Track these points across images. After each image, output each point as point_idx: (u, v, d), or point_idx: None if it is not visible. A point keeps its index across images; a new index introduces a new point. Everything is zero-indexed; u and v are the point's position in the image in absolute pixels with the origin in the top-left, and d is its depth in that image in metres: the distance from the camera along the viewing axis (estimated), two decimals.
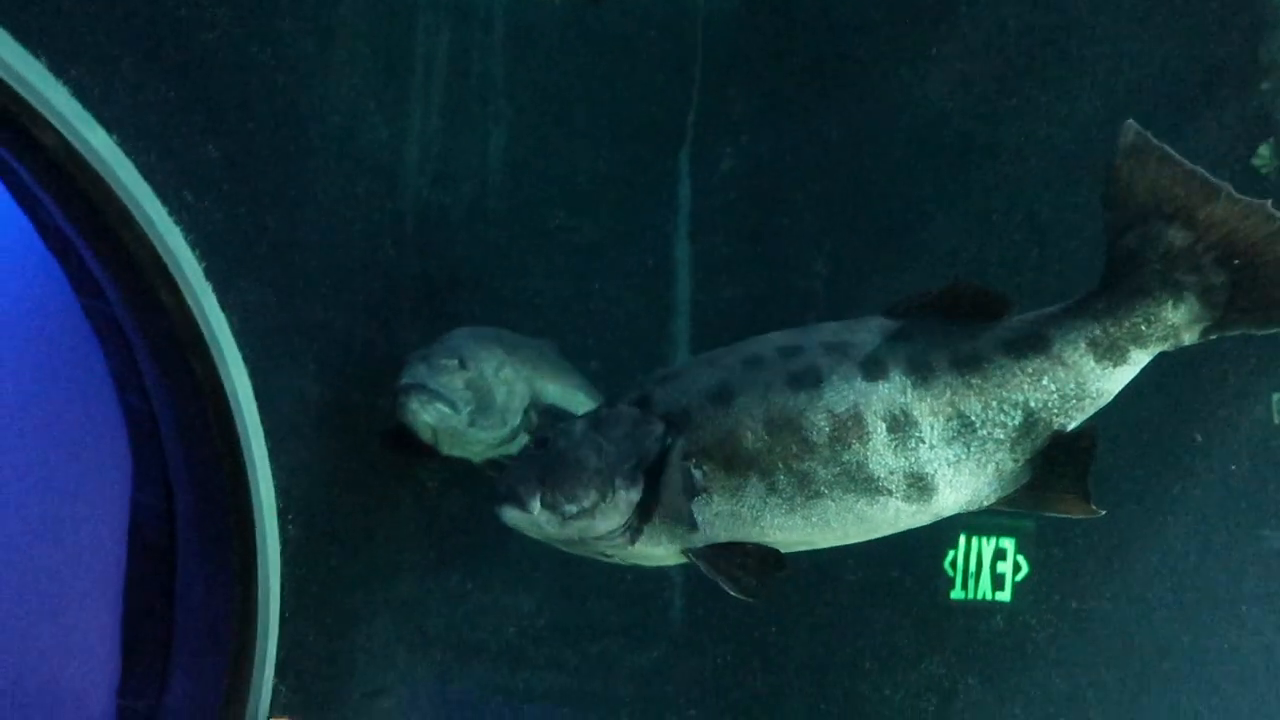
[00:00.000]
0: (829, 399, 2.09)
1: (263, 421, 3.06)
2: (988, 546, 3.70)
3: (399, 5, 3.71)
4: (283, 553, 3.17)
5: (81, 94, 2.51)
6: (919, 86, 3.92)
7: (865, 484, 2.09)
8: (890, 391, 2.10)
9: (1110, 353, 2.09)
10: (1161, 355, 2.08)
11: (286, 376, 3.18)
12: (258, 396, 3.05)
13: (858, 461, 2.08)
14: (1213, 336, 2.08)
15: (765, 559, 2.13)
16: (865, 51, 4.02)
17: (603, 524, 2.14)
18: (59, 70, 2.46)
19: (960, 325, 2.14)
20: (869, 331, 2.17)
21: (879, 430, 2.08)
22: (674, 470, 2.09)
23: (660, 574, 4.00)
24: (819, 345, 2.16)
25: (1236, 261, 2.02)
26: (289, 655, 3.22)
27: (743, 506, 2.11)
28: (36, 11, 2.41)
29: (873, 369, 2.11)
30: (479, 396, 3.07)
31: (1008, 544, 3.68)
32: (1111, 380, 2.11)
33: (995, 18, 3.80)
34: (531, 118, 4.07)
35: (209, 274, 2.91)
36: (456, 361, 3.06)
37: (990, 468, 2.12)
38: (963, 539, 3.72)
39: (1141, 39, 3.62)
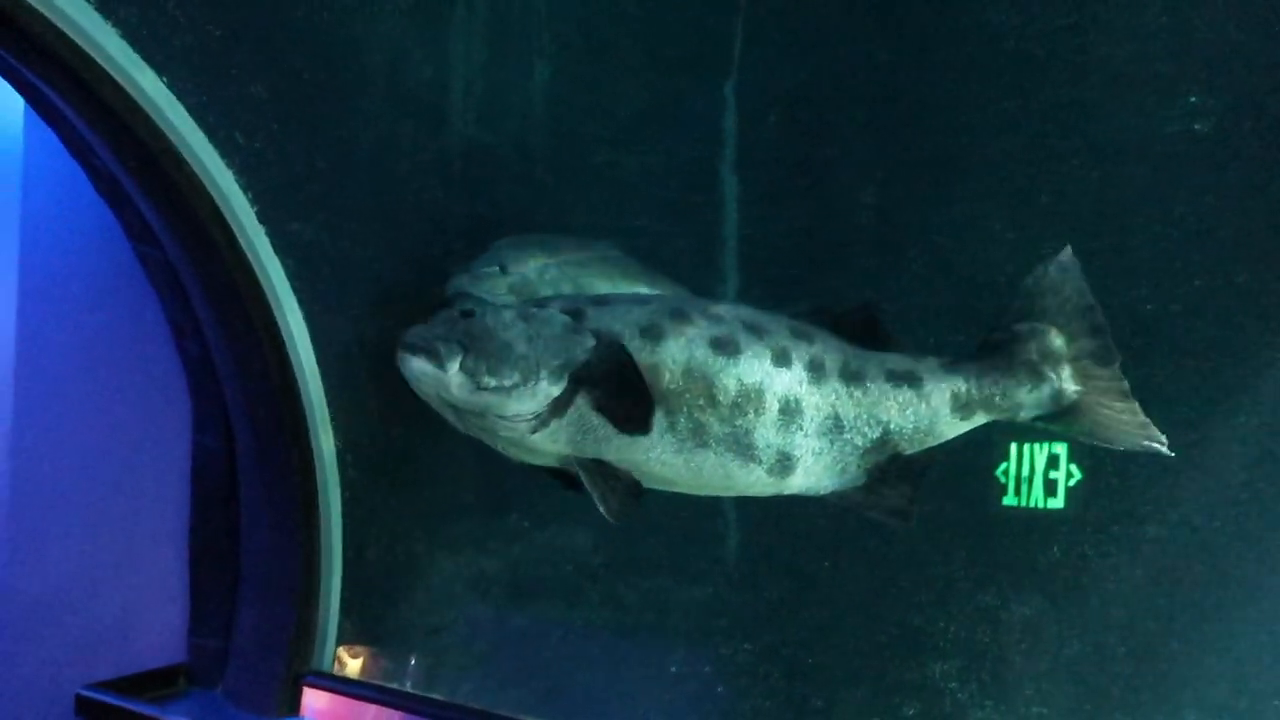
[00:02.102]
0: (742, 369, 2.40)
1: (318, 363, 3.08)
2: (1040, 453, 3.66)
3: None
4: (342, 494, 3.21)
5: (131, 36, 2.48)
6: (972, 5, 3.79)
7: (745, 449, 2.42)
8: (790, 380, 2.44)
9: (963, 408, 2.54)
10: None
11: (340, 318, 3.18)
12: (312, 339, 3.06)
13: (748, 429, 2.41)
14: (1038, 425, 2.58)
15: (630, 489, 2.39)
16: None
17: (514, 406, 2.29)
18: (108, 12, 2.43)
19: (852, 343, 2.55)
20: (779, 324, 2.50)
21: (773, 409, 2.42)
22: (598, 381, 2.31)
23: (715, 511, 4.01)
24: (739, 321, 2.46)
25: (1086, 386, 2.55)
26: (352, 594, 3.27)
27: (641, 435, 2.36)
28: None
29: (780, 357, 2.44)
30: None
31: (1060, 449, 3.63)
32: (955, 429, 2.57)
33: None
34: (574, 52, 3.99)
35: (261, 217, 2.90)
36: (497, 268, 3.06)
37: (840, 465, 2.51)
38: (1013, 447, 3.67)
39: None
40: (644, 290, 3.41)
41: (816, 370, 2.48)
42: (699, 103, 4.15)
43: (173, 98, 2.60)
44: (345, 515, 3.21)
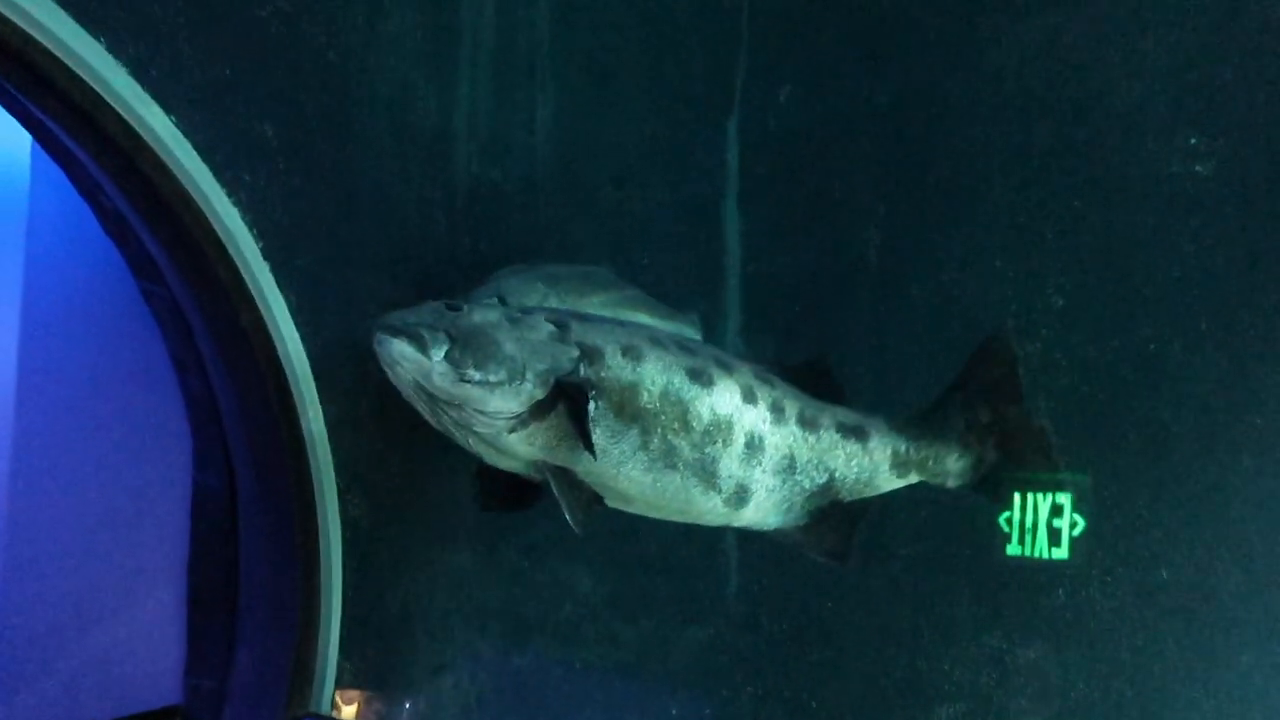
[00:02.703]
0: (715, 400, 2.52)
1: (321, 400, 3.06)
2: (1044, 502, 3.64)
3: None
4: (343, 531, 3.18)
5: (140, 75, 2.49)
6: (973, 45, 3.82)
7: (709, 477, 2.52)
8: (756, 417, 2.58)
9: (900, 467, 2.74)
10: None
11: (344, 354, 3.17)
12: (315, 376, 3.05)
13: (714, 458, 2.52)
14: (966, 491, 2.84)
15: (592, 500, 2.48)
16: (917, 11, 3.93)
17: (496, 403, 2.32)
18: (118, 51, 2.44)
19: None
20: (743, 365, 2.65)
21: (739, 442, 2.55)
22: (581, 390, 2.36)
23: (715, 548, 3.98)
24: (710, 356, 2.61)
25: (1008, 454, 2.81)
26: (352, 633, 3.23)
27: (616, 448, 2.43)
28: None
29: (748, 394, 2.58)
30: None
31: (1064, 499, 3.61)
32: (890, 484, 2.77)
33: None
34: (578, 88, 4.02)
35: (266, 253, 2.90)
36: (497, 299, 3.06)
37: (787, 504, 2.66)
38: (1016, 496, 3.66)
39: None
40: (645, 319, 3.42)
41: (778, 412, 2.63)
42: (702, 139, 4.17)
43: (180, 136, 2.60)
44: (346, 554, 3.18)
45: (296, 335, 2.97)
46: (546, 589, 3.87)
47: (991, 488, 2.85)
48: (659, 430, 2.46)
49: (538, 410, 2.36)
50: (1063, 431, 3.58)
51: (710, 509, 2.59)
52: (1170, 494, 3.35)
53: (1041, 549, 3.58)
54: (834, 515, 2.69)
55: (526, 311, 2.50)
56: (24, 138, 3.53)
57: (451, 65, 3.65)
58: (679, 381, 2.49)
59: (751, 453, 2.58)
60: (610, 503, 2.54)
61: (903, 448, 2.75)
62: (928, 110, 3.87)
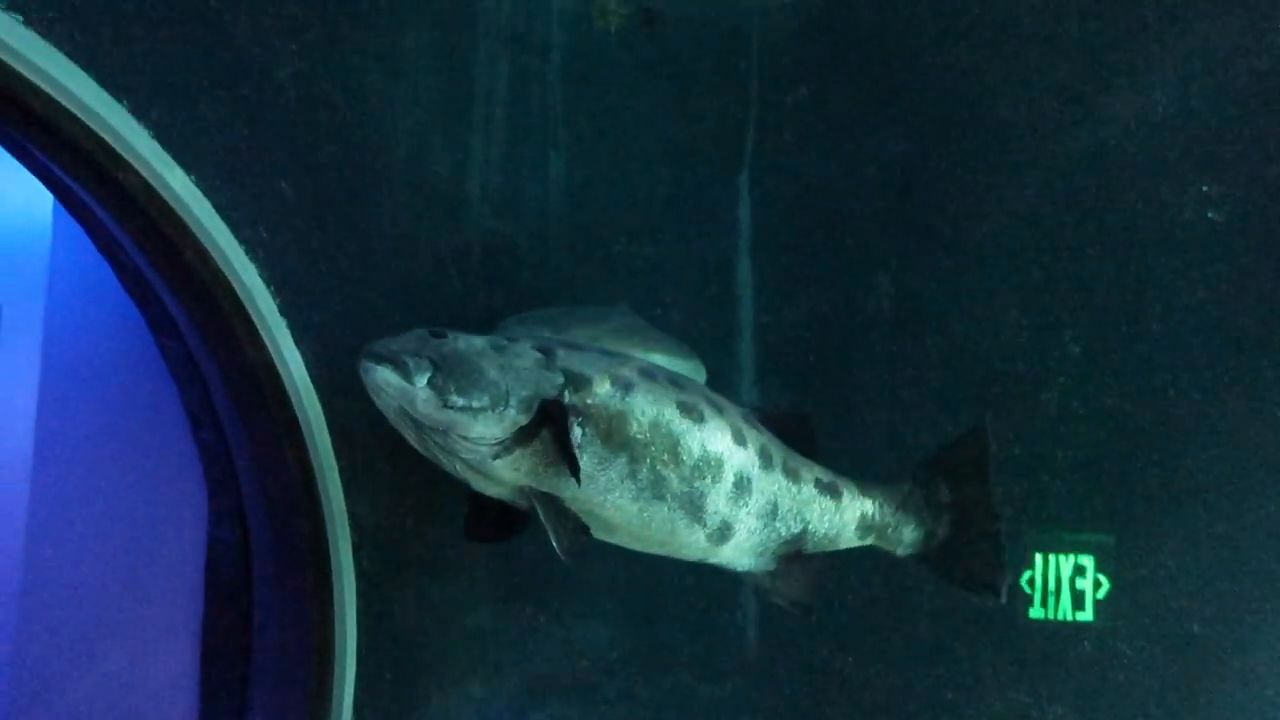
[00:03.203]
0: (706, 436, 2.55)
1: (336, 455, 3.06)
2: (1066, 563, 3.59)
3: (460, 37, 3.73)
4: (357, 588, 3.16)
5: (162, 135, 2.54)
6: (980, 99, 3.86)
7: (695, 511, 2.55)
8: (745, 459, 2.63)
9: (863, 529, 2.87)
10: None
11: (358, 408, 3.17)
12: (330, 428, 3.05)
13: (703, 492, 2.55)
14: (910, 559, 2.97)
15: (578, 529, 2.46)
16: (925, 67, 3.97)
17: (480, 429, 2.32)
18: (141, 113, 2.49)
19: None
20: (731, 407, 2.69)
21: (728, 480, 2.59)
22: (564, 414, 2.37)
23: (733, 603, 3.93)
24: (700, 393, 2.65)
25: (961, 533, 2.90)
26: (365, 690, 3.19)
27: (604, 475, 2.44)
28: (120, 55, 2.45)
29: (739, 436, 2.63)
30: None
31: (1087, 561, 3.56)
32: (850, 543, 2.88)
33: (1057, 28, 3.74)
34: (590, 144, 4.07)
35: (283, 309, 2.92)
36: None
37: (762, 548, 2.72)
38: (1038, 557, 3.61)
39: (1210, 44, 3.54)
40: (660, 359, 3.41)
41: (765, 458, 2.70)
42: (714, 193, 4.20)
43: (200, 195, 2.64)
44: (360, 609, 3.15)
45: (313, 390, 2.97)
46: (563, 645, 3.82)
47: (935, 563, 2.98)
48: (648, 460, 2.47)
49: (522, 436, 2.36)
50: (1082, 481, 3.56)
51: (692, 543, 2.62)
52: (1196, 544, 3.30)
53: (1065, 612, 3.53)
54: (799, 565, 2.79)
55: (512, 339, 2.52)
56: (46, 197, 3.60)
57: (465, 123, 3.70)
58: (670, 414, 2.52)
59: (740, 493, 2.62)
60: (593, 529, 2.53)
61: (870, 512, 2.88)
62: (939, 161, 3.89)
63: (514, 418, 2.34)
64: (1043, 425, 3.59)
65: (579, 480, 2.36)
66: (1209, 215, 3.51)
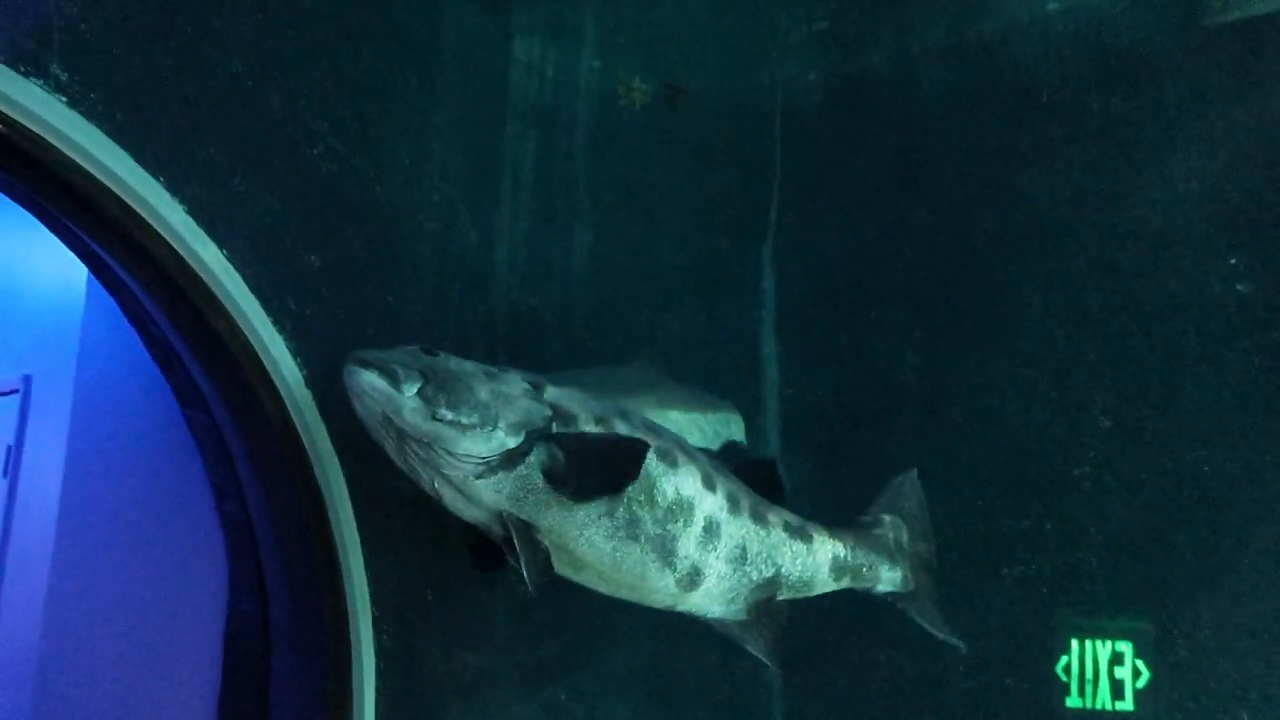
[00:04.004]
0: (679, 481, 2.58)
1: (358, 526, 3.04)
2: (1103, 650, 3.48)
3: (487, 114, 3.82)
4: (377, 662, 3.11)
5: (195, 210, 2.58)
6: (1004, 173, 3.87)
7: (667, 554, 2.56)
8: (714, 504, 2.64)
9: (837, 571, 2.88)
10: None
11: (381, 480, 3.16)
12: (353, 500, 3.04)
13: (674, 535, 2.56)
14: (892, 600, 3.01)
15: (547, 563, 2.46)
16: (947, 141, 4.01)
17: (466, 445, 2.32)
18: (176, 189, 2.54)
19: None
20: (701, 455, 2.73)
21: (699, 524, 2.59)
22: (553, 447, 2.39)
23: (758, 681, 3.84)
24: (674, 440, 2.68)
25: (917, 578, 3.03)
26: None
27: (582, 511, 2.44)
28: (158, 134, 2.51)
29: (708, 481, 2.65)
30: None
31: (1125, 647, 3.45)
32: (825, 587, 2.89)
33: (1080, 105, 3.77)
34: (615, 218, 4.11)
35: (309, 381, 2.93)
36: None
37: (733, 594, 2.71)
38: (1074, 643, 3.51)
39: (1232, 119, 3.55)
40: (697, 414, 3.40)
41: (734, 503, 2.70)
42: (737, 266, 4.23)
43: (231, 268, 2.68)
44: (379, 685, 3.10)
45: (336, 462, 2.97)
46: None
47: (919, 605, 3.04)
48: (625, 500, 2.48)
49: (508, 459, 2.37)
50: (1117, 558, 3.47)
51: (662, 587, 2.60)
52: (1238, 625, 3.20)
53: (1104, 701, 3.41)
54: (769, 612, 2.78)
55: (501, 368, 2.53)
56: (80, 269, 3.67)
57: (493, 198, 3.76)
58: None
59: (709, 537, 2.62)
60: (560, 567, 2.52)
61: (843, 553, 2.89)
62: (962, 235, 3.90)
63: (502, 439, 2.35)
64: (1075, 501, 3.52)
65: (549, 508, 2.39)
66: (1237, 288, 3.48)
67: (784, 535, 2.80)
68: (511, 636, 3.59)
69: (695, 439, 3.36)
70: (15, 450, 4.03)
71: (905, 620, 3.05)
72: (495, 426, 2.34)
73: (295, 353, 2.90)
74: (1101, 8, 3.71)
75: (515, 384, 2.47)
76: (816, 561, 2.86)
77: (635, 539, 2.51)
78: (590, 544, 2.49)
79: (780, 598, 2.80)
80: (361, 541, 2.99)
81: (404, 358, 2.35)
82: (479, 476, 2.37)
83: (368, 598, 2.99)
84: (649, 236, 4.14)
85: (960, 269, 3.90)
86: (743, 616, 2.74)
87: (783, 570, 2.78)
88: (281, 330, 2.87)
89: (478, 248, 3.67)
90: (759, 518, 2.76)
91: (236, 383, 2.87)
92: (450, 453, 2.32)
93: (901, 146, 4.07)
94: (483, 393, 2.36)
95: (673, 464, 2.59)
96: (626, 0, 3.90)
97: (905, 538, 3.04)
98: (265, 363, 2.78)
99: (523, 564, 2.40)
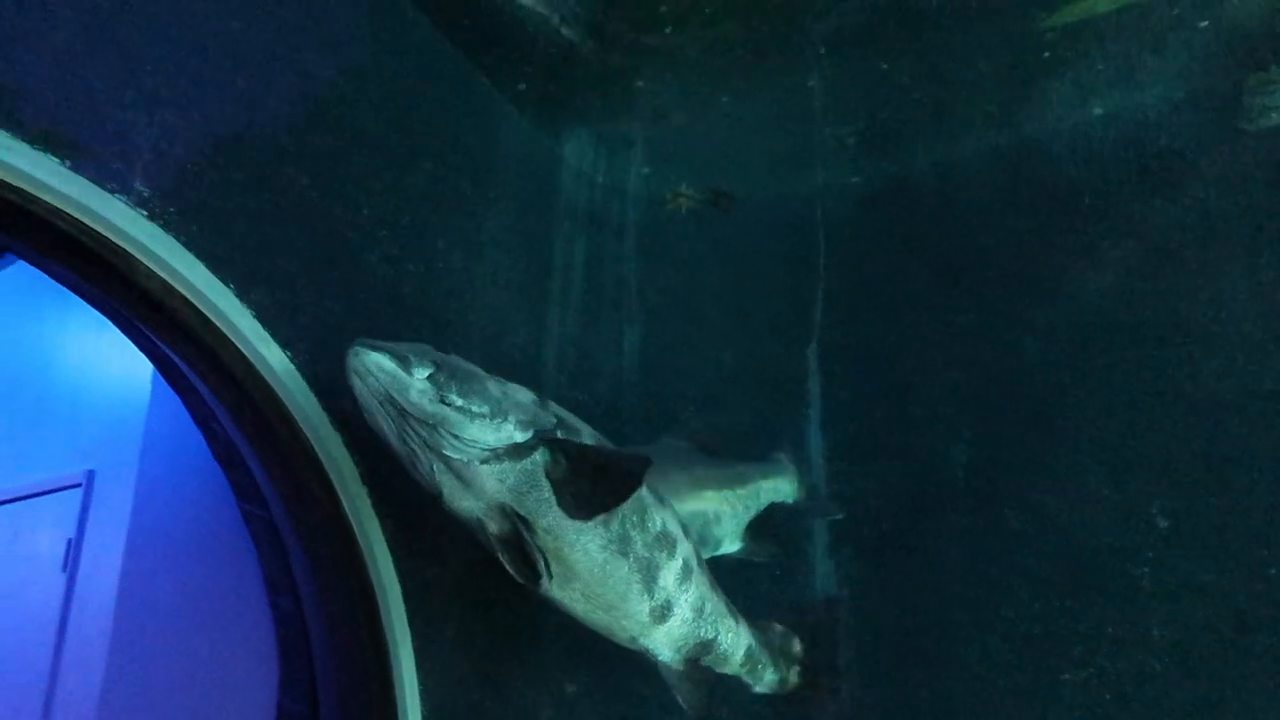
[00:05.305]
0: (666, 516, 2.76)
1: (410, 625, 3.05)
2: None
3: (538, 219, 3.95)
4: None
5: (262, 315, 2.69)
6: (1049, 274, 3.90)
7: (649, 579, 2.68)
8: (688, 548, 2.83)
9: (747, 659, 3.08)
10: None
11: (433, 575, 3.19)
12: (405, 598, 3.05)
13: (658, 564, 2.70)
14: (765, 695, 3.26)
15: (535, 568, 2.52)
16: (991, 242, 4.06)
17: (473, 432, 2.36)
18: (244, 295, 2.66)
19: None
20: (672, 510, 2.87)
21: (678, 561, 2.76)
22: (559, 449, 2.47)
23: None
24: (653, 487, 2.77)
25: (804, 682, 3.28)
26: None
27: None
28: (229, 244, 2.64)
29: (684, 528, 2.85)
30: None
31: None
32: (733, 669, 3.08)
33: (1121, 207, 3.81)
34: (663, 318, 4.19)
35: (364, 478, 2.99)
36: None
37: (682, 643, 2.87)
38: None
39: (1274, 220, 3.56)
40: (712, 493, 3.46)
41: (698, 556, 2.90)
42: (783, 365, 4.26)
43: (294, 370, 2.77)
44: None
45: (389, 558, 3.00)
46: None
47: (785, 706, 3.30)
48: (620, 517, 2.58)
49: (514, 451, 2.43)
50: (1181, 661, 3.36)
51: (636, 613, 2.72)
52: None
53: None
54: (701, 672, 2.94)
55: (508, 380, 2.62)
56: (145, 367, 3.81)
57: (543, 299, 3.86)
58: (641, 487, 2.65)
59: (685, 576, 2.79)
60: (550, 578, 2.56)
61: (754, 647, 3.08)
62: (1008, 335, 3.92)
63: (510, 432, 2.41)
64: (1136, 602, 3.44)
65: (549, 507, 2.45)
66: None
67: (726, 607, 2.99)
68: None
69: (731, 519, 3.43)
70: (76, 544, 4.11)
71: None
72: (505, 419, 2.40)
73: (350, 446, 2.97)
74: (1143, 112, 3.78)
75: (525, 393, 2.56)
76: (739, 643, 3.04)
77: (625, 555, 2.61)
78: (585, 551, 2.55)
79: (705, 662, 2.96)
80: (413, 639, 3.00)
81: (416, 348, 2.42)
82: (484, 462, 2.41)
83: (418, 697, 2.99)
84: (696, 336, 4.20)
85: (1007, 368, 3.91)
86: (681, 667, 2.90)
87: (719, 638, 2.96)
88: (339, 429, 2.94)
89: (526, 346, 3.76)
90: (713, 584, 2.95)
91: (293, 480, 2.93)
92: (457, 436, 2.36)
93: (945, 248, 4.13)
94: (494, 389, 2.44)
95: (661, 502, 2.77)
96: (674, 112, 4.04)
97: (795, 647, 3.26)
98: (324, 461, 2.84)
99: (508, 564, 2.48)
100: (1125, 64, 3.68)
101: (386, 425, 2.43)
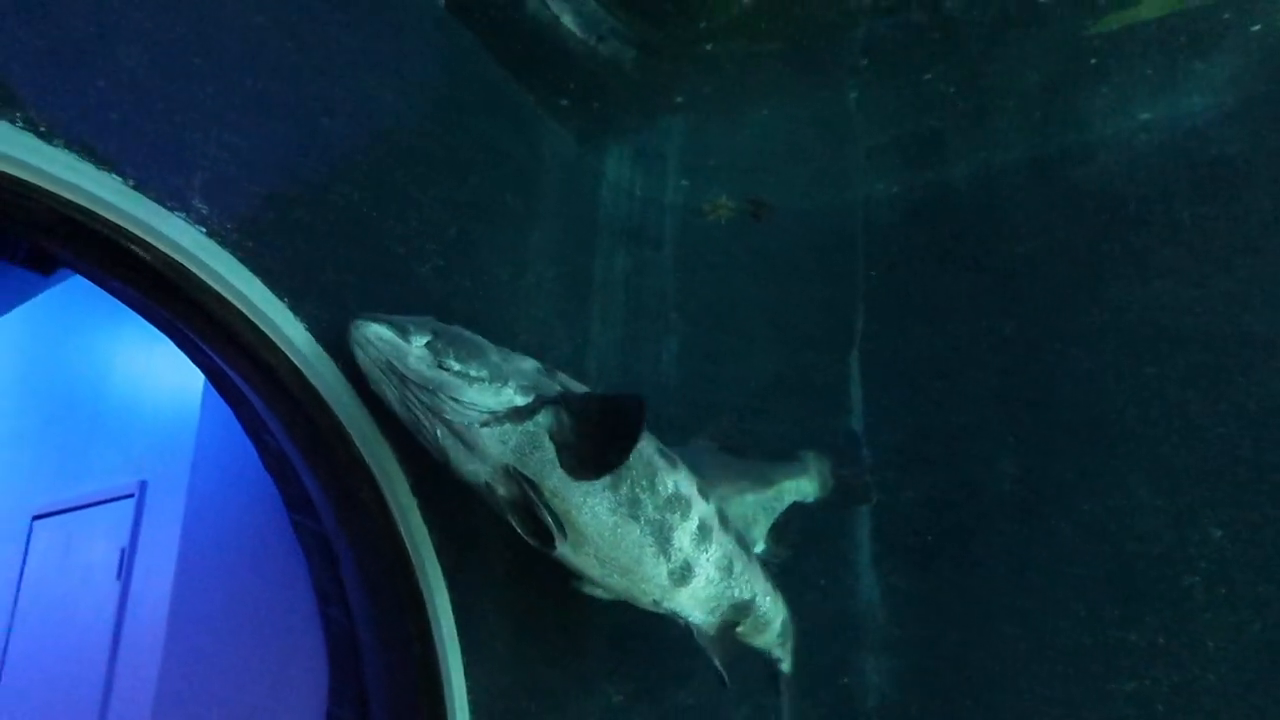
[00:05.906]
0: (678, 478, 2.72)
1: (459, 635, 3.08)
2: None
3: (580, 233, 3.98)
4: None
5: (315, 329, 2.74)
6: (1094, 281, 3.87)
7: (663, 541, 2.67)
8: (707, 510, 2.79)
9: (783, 631, 3.16)
10: None
11: (481, 585, 3.22)
12: (454, 608, 3.08)
13: (671, 525, 2.67)
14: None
15: (548, 530, 2.52)
16: (1034, 249, 4.03)
17: (472, 395, 2.39)
18: (297, 308, 2.71)
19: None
20: (692, 471, 2.83)
21: (693, 521, 2.72)
22: (560, 409, 2.47)
23: None
24: (673, 448, 2.79)
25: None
26: None
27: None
28: (284, 259, 2.70)
29: (703, 491, 2.80)
30: None
31: None
32: (769, 642, 3.15)
33: (1168, 214, 3.77)
34: (703, 328, 4.21)
35: (414, 489, 3.03)
36: None
37: (714, 604, 2.86)
38: None
39: None
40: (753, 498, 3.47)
41: (722, 517, 2.85)
42: (824, 373, 4.26)
43: (346, 382, 2.81)
44: None
45: (438, 568, 3.03)
46: None
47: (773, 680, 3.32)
48: (629, 480, 2.57)
49: (515, 414, 2.45)
50: (1236, 673, 3.31)
51: (654, 575, 2.69)
52: None
53: None
54: (730, 636, 2.93)
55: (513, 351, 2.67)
56: (196, 378, 3.88)
57: (585, 311, 3.89)
58: (650, 450, 2.67)
59: (703, 538, 2.75)
60: (563, 544, 2.55)
61: (787, 619, 3.12)
62: (1053, 342, 3.88)
63: (510, 396, 2.44)
64: (1189, 612, 3.39)
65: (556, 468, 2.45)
66: None
67: (761, 569, 2.97)
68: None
69: (766, 521, 3.44)
70: (129, 553, 4.19)
71: None
72: (505, 384, 2.44)
73: (401, 461, 3.01)
74: (1191, 119, 3.74)
75: (530, 362, 2.59)
76: (778, 608, 3.04)
77: (635, 519, 2.60)
78: (594, 514, 2.55)
79: (741, 629, 2.95)
80: (462, 650, 3.03)
81: (418, 320, 2.48)
82: (485, 425, 2.43)
83: (467, 707, 3.01)
84: (736, 346, 4.21)
85: (1053, 376, 3.87)
86: (714, 630, 2.89)
87: (757, 600, 2.94)
88: (390, 440, 2.98)
89: (569, 357, 3.78)
90: (741, 542, 2.92)
91: (345, 491, 2.98)
92: (457, 400, 2.40)
93: (988, 256, 4.11)
94: (494, 356, 2.49)
95: (673, 464, 2.73)
96: (712, 122, 4.06)
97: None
98: (375, 472, 2.88)
99: (518, 523, 2.49)
100: (1172, 70, 3.65)
101: (390, 393, 2.50)
